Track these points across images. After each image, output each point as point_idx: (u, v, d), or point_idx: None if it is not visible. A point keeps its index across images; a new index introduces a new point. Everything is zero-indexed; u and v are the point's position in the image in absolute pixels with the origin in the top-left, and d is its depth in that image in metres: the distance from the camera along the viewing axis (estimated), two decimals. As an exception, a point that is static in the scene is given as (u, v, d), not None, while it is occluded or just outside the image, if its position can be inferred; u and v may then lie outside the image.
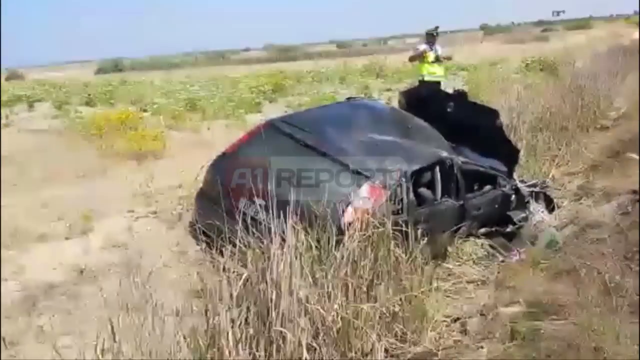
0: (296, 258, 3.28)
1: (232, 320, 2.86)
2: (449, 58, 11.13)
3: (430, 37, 10.40)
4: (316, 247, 3.64)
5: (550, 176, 7.67)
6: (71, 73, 37.28)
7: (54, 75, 31.67)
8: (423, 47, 10.36)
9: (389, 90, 17.73)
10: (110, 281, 4.51)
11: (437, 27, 10.52)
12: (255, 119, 12.26)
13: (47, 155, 8.98)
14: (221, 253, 3.60)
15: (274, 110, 13.78)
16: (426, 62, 10.31)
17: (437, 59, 10.33)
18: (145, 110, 14.04)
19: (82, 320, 4.15)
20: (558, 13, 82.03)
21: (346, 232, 3.91)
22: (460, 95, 6.80)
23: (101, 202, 6.57)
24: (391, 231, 3.98)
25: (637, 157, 6.77)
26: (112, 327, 2.69)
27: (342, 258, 3.56)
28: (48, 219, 6.22)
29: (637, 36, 28.69)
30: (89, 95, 17.37)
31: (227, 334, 2.78)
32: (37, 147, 9.70)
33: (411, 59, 10.81)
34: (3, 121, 13.04)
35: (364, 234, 3.83)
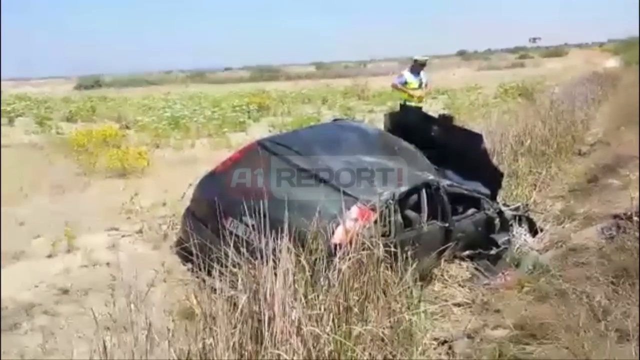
0: (289, 279, 3.28)
1: (227, 342, 2.83)
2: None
3: (417, 65, 10.20)
4: (309, 269, 3.63)
5: (532, 200, 7.77)
6: (49, 89, 36.91)
7: (32, 91, 31.30)
8: (406, 75, 10.15)
9: (371, 112, 17.89)
10: (94, 301, 4.44)
11: (425, 59, 10.41)
12: (239, 138, 12.29)
13: (27, 171, 8.85)
14: (209, 273, 3.58)
15: (258, 130, 13.83)
16: (409, 87, 10.19)
17: (420, 86, 10.23)
18: (128, 128, 13.97)
19: (66, 340, 4.07)
20: (534, 40, 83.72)
21: (336, 253, 3.93)
22: (445, 119, 6.88)
23: (84, 219, 6.48)
24: (381, 253, 3.99)
25: (619, 183, 6.92)
26: (105, 347, 2.64)
27: (334, 279, 3.56)
28: (28, 236, 6.12)
29: (611, 64, 29.50)
30: (71, 111, 17.22)
31: (223, 356, 2.74)
32: (18, 163, 9.56)
33: (394, 87, 10.62)
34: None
35: (355, 256, 3.84)
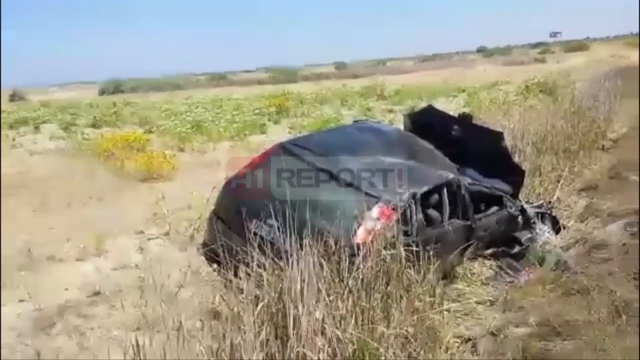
0: (312, 279, 3.35)
1: (254, 340, 2.92)
2: None
3: None
4: (332, 269, 3.70)
5: (555, 197, 7.74)
6: (72, 94, 37.47)
7: (57, 97, 31.85)
8: None
9: (390, 111, 17.88)
10: (124, 302, 4.56)
11: None
12: (259, 140, 12.42)
13: (55, 177, 9.04)
14: (235, 274, 3.67)
15: (278, 132, 13.94)
16: None
17: None
18: (151, 132, 14.16)
19: (98, 340, 4.19)
20: (555, 34, 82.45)
21: (358, 253, 3.99)
22: (465, 118, 6.88)
23: (112, 223, 6.61)
24: (403, 252, 4.05)
25: (638, 179, 6.84)
26: (138, 346, 2.74)
27: (357, 279, 3.62)
28: (59, 240, 6.26)
29: (637, 58, 28.94)
30: (95, 117, 17.49)
31: (250, 353, 2.83)
32: (46, 169, 9.77)
33: None
34: (10, 143, 13.14)
35: (377, 255, 3.90)
